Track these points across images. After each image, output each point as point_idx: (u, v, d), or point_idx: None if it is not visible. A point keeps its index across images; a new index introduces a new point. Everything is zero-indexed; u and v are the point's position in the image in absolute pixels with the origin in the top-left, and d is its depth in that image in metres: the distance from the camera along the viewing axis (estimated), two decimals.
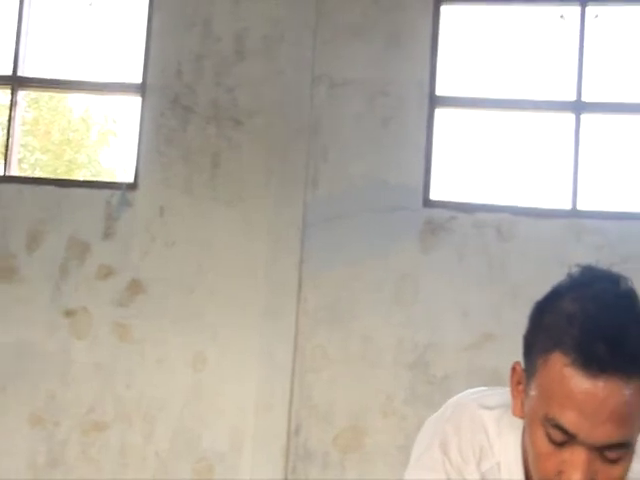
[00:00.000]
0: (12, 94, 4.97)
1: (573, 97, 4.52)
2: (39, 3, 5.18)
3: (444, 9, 4.69)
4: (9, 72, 4.98)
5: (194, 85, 4.71)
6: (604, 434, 1.11)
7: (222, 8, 4.73)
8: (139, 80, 4.81)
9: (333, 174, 4.57)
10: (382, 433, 4.33)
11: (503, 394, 1.38)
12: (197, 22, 4.74)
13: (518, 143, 5.10)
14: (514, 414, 1.29)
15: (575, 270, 1.23)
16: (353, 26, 4.65)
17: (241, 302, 4.50)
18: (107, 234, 4.64)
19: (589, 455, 1.13)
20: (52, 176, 10.36)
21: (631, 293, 1.19)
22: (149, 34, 4.79)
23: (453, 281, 4.38)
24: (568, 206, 4.44)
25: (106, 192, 4.70)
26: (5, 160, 4.95)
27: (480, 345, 4.30)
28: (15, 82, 4.98)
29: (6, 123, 5.07)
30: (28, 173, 10.34)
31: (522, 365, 1.27)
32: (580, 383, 1.12)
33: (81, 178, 10.02)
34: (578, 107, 4.50)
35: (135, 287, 4.59)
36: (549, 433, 1.16)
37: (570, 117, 4.51)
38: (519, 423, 1.27)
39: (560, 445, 1.15)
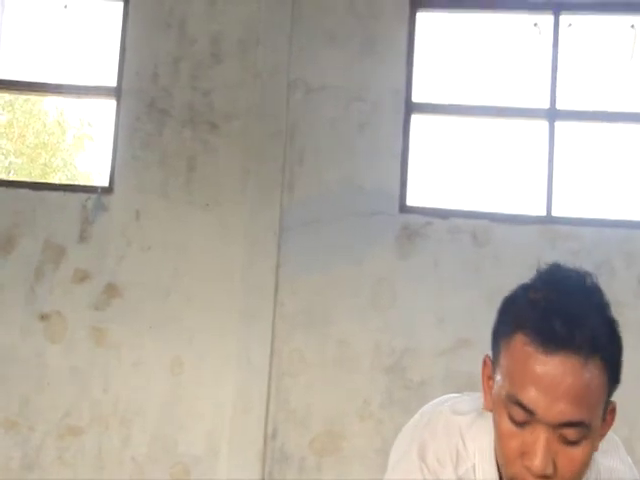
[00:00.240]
0: None
1: (547, 105, 4.57)
2: (14, 5, 5.15)
3: (420, 16, 4.72)
4: None
5: (170, 88, 4.70)
6: (560, 412, 1.14)
7: (197, 10, 4.73)
8: (114, 83, 4.79)
9: (309, 179, 4.58)
10: (359, 437, 4.34)
11: (475, 399, 1.42)
12: (172, 25, 4.73)
13: (493, 150, 5.15)
14: (485, 408, 1.32)
15: (543, 267, 1.27)
16: (329, 31, 4.67)
17: (218, 306, 4.50)
18: (83, 238, 4.62)
19: (548, 435, 1.16)
20: (27, 179, 10.27)
21: (595, 287, 1.23)
22: (124, 37, 4.78)
23: (429, 286, 4.41)
24: (543, 212, 4.49)
25: (81, 196, 4.67)
26: None
27: (456, 350, 4.32)
28: None
29: None
30: (2, 176, 10.25)
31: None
32: (538, 360, 1.15)
33: (57, 182, 9.95)
34: (552, 115, 4.55)
35: (111, 291, 4.57)
36: (511, 413, 1.19)
37: (544, 124, 4.56)
38: (491, 426, 1.29)
39: (521, 425, 1.18)
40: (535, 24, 4.68)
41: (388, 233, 4.48)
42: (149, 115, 4.69)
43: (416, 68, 4.67)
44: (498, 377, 1.24)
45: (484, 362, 1.33)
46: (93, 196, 4.65)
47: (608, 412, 1.24)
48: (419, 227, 4.48)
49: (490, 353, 1.31)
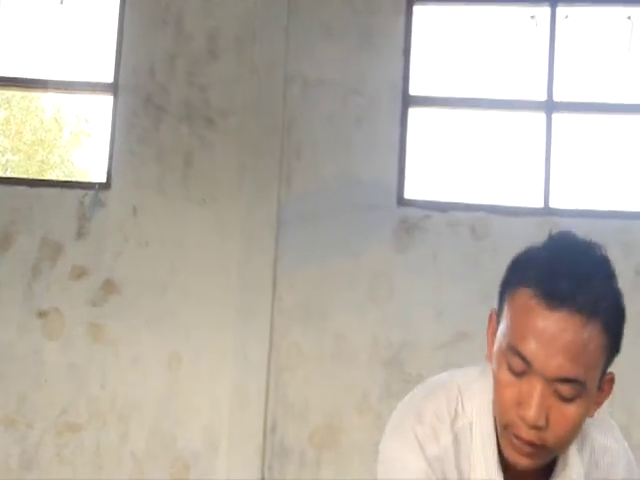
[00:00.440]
0: None
1: (544, 97, 4.56)
2: (10, 2, 5.13)
3: (417, 9, 4.71)
4: None
5: (166, 84, 4.69)
6: (557, 366, 1.17)
7: (193, 6, 4.72)
8: (111, 79, 4.78)
9: (307, 173, 4.58)
10: (358, 431, 4.34)
11: (473, 368, 1.45)
12: (169, 21, 4.72)
13: (491, 142, 5.15)
14: (488, 360, 1.34)
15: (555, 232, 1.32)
16: (326, 25, 4.66)
17: (215, 301, 4.49)
18: (80, 234, 4.61)
19: (544, 388, 1.19)
20: (24, 176, 10.26)
21: (604, 257, 1.27)
22: (121, 33, 4.76)
23: (427, 280, 4.41)
24: (541, 204, 4.48)
25: (79, 192, 4.67)
26: None
27: (455, 343, 4.32)
28: None
29: None
30: None
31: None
32: (540, 315, 1.19)
33: (54, 178, 9.94)
34: (549, 107, 4.54)
35: (109, 287, 4.57)
36: (510, 364, 1.22)
37: (541, 116, 4.55)
38: (491, 386, 1.31)
39: (519, 376, 1.22)
40: (532, 16, 4.67)
41: (386, 227, 4.48)
42: (146, 111, 4.68)
43: (413, 61, 4.66)
44: (501, 328, 1.27)
45: (490, 317, 1.36)
46: (90, 192, 4.65)
47: (606, 381, 1.27)
48: (417, 220, 4.47)
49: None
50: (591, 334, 1.18)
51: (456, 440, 1.34)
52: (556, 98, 4.56)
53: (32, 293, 4.58)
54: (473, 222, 4.41)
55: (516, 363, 1.22)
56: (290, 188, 4.56)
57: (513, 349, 1.22)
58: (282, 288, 4.49)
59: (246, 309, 4.46)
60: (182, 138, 4.65)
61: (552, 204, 4.48)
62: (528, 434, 1.21)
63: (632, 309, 4.53)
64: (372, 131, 4.58)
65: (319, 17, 4.66)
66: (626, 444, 1.46)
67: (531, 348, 1.19)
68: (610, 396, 1.33)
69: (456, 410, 1.36)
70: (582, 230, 4.88)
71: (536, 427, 1.20)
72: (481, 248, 4.39)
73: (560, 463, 1.35)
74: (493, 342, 1.31)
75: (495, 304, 1.34)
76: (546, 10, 4.62)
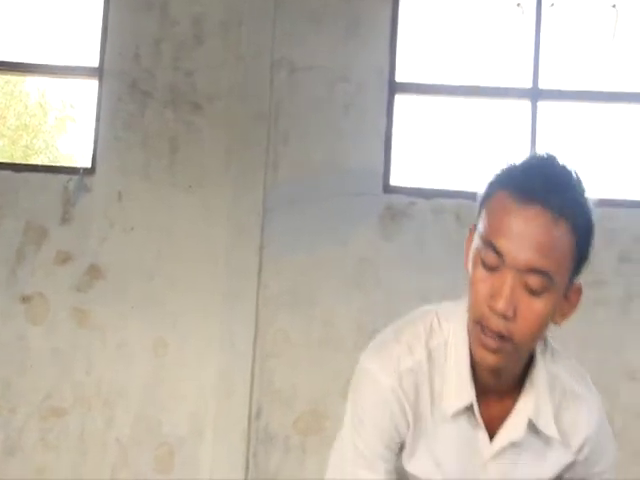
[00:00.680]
0: None
1: (530, 84, 4.57)
2: None
3: None
4: None
5: (152, 69, 4.66)
6: (527, 257, 1.26)
7: None
8: (96, 64, 4.75)
9: (293, 159, 4.57)
10: (342, 417, 4.35)
11: (453, 301, 1.55)
12: (154, 5, 4.68)
13: (476, 129, 5.16)
14: (465, 267, 1.43)
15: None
16: (312, 11, 4.64)
17: (201, 287, 4.49)
18: (65, 219, 4.59)
19: (514, 280, 1.27)
20: (8, 161, 10.18)
21: (580, 176, 1.36)
22: (106, 17, 4.73)
23: (413, 267, 4.42)
24: None
25: (63, 177, 4.64)
26: None
27: None
28: None
29: None
30: None
31: None
32: (514, 211, 1.29)
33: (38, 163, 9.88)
34: (535, 94, 4.56)
35: (94, 272, 4.55)
36: (484, 259, 1.31)
37: (527, 104, 4.56)
38: (467, 311, 1.39)
39: (492, 270, 1.30)
40: (518, 4, 4.68)
41: (372, 213, 4.48)
42: (131, 96, 4.66)
43: (400, 48, 4.66)
44: (478, 230, 1.37)
45: (470, 230, 1.45)
46: (75, 177, 4.62)
47: (573, 291, 1.36)
48: (403, 207, 4.48)
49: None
50: (560, 232, 1.27)
51: (430, 357, 1.42)
52: (541, 86, 4.57)
53: (16, 278, 4.56)
54: (458, 209, 4.43)
55: (490, 258, 1.30)
56: (277, 174, 4.56)
57: (488, 243, 1.31)
58: (268, 274, 4.49)
59: (232, 295, 4.47)
60: (168, 123, 4.63)
61: None
62: (497, 325, 1.29)
63: (615, 296, 4.56)
64: (359, 118, 4.58)
65: (306, 3, 4.65)
66: (600, 397, 1.51)
67: (504, 242, 1.28)
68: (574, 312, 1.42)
69: (432, 329, 1.45)
70: None
71: (505, 317, 1.28)
72: (466, 235, 4.39)
73: (527, 385, 1.42)
74: (469, 250, 1.42)
75: None
76: None
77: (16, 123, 11.44)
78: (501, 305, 1.27)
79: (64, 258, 4.57)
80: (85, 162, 4.82)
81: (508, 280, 1.28)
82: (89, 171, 4.65)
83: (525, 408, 1.40)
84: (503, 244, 1.29)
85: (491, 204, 1.35)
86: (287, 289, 4.48)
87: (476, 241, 1.37)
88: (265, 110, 4.57)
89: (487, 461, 1.42)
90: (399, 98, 4.65)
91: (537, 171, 1.31)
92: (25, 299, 4.55)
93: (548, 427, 1.41)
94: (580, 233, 1.31)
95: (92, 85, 4.81)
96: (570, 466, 1.48)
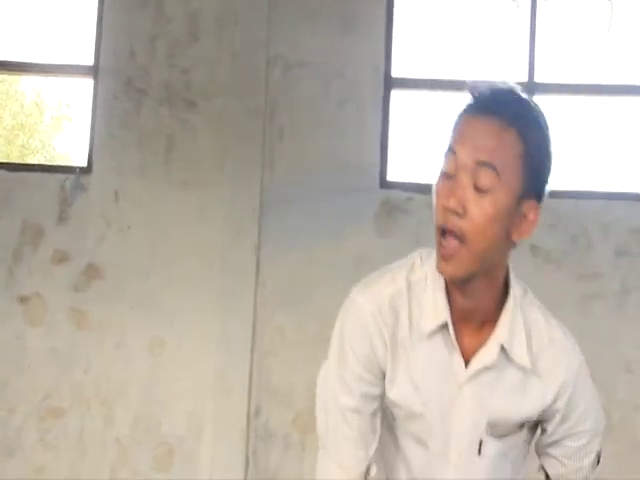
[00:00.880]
0: None
1: (525, 78, 4.56)
2: None
3: None
4: None
5: (147, 67, 4.65)
6: (476, 153, 1.40)
7: None
8: (91, 62, 4.74)
9: (289, 156, 4.57)
10: None
11: None
12: (149, 3, 4.67)
13: None
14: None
15: None
16: (308, 7, 4.63)
17: (198, 286, 4.48)
18: (61, 219, 4.58)
19: (465, 181, 1.40)
20: (4, 160, 10.16)
21: (540, 107, 1.47)
22: (101, 15, 4.71)
23: None
24: None
25: (60, 176, 4.63)
26: None
27: None
28: None
29: None
30: None
31: None
32: (467, 120, 1.44)
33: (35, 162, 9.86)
34: (530, 88, 4.54)
35: (91, 272, 4.55)
36: (444, 168, 1.45)
37: None
38: None
39: (450, 178, 1.43)
40: None
41: (368, 209, 4.48)
42: (127, 94, 4.65)
43: (395, 43, 4.65)
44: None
45: None
46: (71, 176, 4.62)
47: (529, 207, 1.44)
48: (400, 203, 4.47)
49: None
50: (509, 138, 1.40)
51: (410, 288, 1.55)
52: (537, 79, 4.57)
53: (13, 278, 4.55)
54: None
55: (448, 162, 1.44)
56: (273, 171, 4.55)
57: (447, 150, 1.45)
58: (265, 272, 4.49)
59: (229, 294, 4.46)
60: (163, 121, 4.62)
61: None
62: (452, 223, 1.41)
63: (612, 289, 4.55)
64: (355, 114, 4.57)
65: None
66: (580, 353, 1.62)
67: (459, 145, 1.42)
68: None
69: (414, 265, 1.58)
70: (563, 211, 4.90)
71: (456, 213, 1.40)
72: None
73: (503, 318, 1.51)
74: None
75: None
76: None
77: (12, 123, 11.43)
78: (452, 202, 1.40)
79: (61, 258, 4.56)
80: (81, 161, 4.81)
81: (460, 181, 1.41)
82: (85, 170, 4.64)
83: (499, 335, 1.49)
84: (458, 147, 1.42)
85: (453, 125, 1.48)
86: (284, 287, 4.47)
87: (442, 160, 1.49)
88: (261, 107, 4.56)
89: (463, 384, 1.50)
90: (395, 93, 4.64)
91: (493, 89, 1.45)
92: (23, 300, 4.54)
93: (521, 357, 1.50)
94: (530, 144, 1.41)
95: (87, 84, 4.80)
96: (550, 412, 1.55)
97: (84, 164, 4.68)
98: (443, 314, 1.49)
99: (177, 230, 4.54)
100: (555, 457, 1.61)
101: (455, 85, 4.70)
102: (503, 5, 4.74)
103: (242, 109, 4.56)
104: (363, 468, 1.58)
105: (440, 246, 1.44)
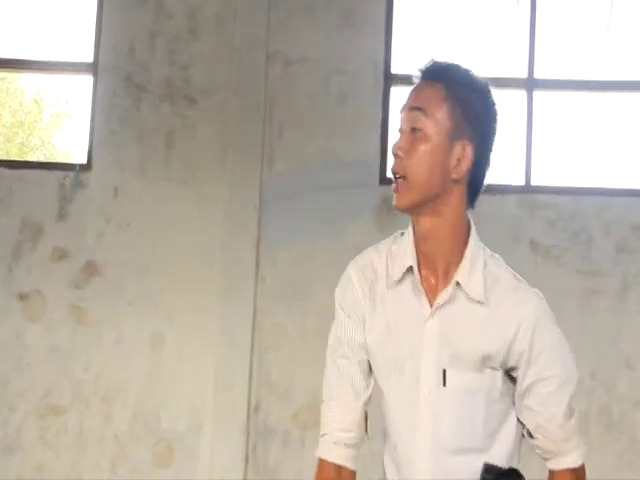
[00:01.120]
0: None
1: (525, 74, 4.56)
2: None
3: None
4: None
5: (147, 63, 4.65)
6: (410, 102, 1.71)
7: None
8: (91, 59, 4.73)
9: (289, 152, 4.56)
10: None
11: None
12: None
13: None
14: None
15: None
16: (307, 3, 4.63)
17: (198, 282, 4.48)
18: (61, 216, 4.58)
19: (407, 134, 1.68)
20: (4, 158, 10.16)
21: (488, 84, 1.76)
22: (100, 11, 4.71)
23: None
24: (522, 182, 4.50)
25: (59, 173, 4.63)
26: None
27: None
28: None
29: None
30: None
31: None
32: (413, 88, 1.74)
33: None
34: (530, 84, 4.55)
35: (90, 269, 4.54)
36: (400, 126, 1.71)
37: (522, 94, 4.55)
38: None
39: (399, 133, 1.71)
40: None
41: (368, 205, 4.48)
42: (126, 90, 4.65)
43: (395, 40, 4.64)
44: None
45: None
46: (71, 174, 4.61)
47: (463, 146, 1.67)
48: None
49: None
50: (435, 87, 1.69)
51: (390, 255, 1.78)
52: (537, 75, 4.57)
53: (12, 276, 4.55)
54: None
55: (400, 121, 1.72)
56: (272, 167, 4.55)
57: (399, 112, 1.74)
58: (265, 268, 4.48)
59: (229, 289, 4.46)
60: (163, 117, 4.61)
61: (533, 182, 4.49)
62: (398, 166, 1.67)
63: (612, 285, 4.54)
64: (354, 110, 4.57)
65: None
66: (544, 301, 1.73)
67: (404, 106, 1.72)
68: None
69: (395, 238, 1.81)
70: (563, 208, 4.89)
71: (398, 156, 1.67)
72: None
73: (464, 262, 1.69)
74: None
75: None
76: None
77: (11, 120, 11.41)
78: (397, 149, 1.68)
79: (60, 255, 4.56)
80: (81, 159, 4.81)
81: (404, 131, 1.69)
82: (85, 167, 4.64)
83: (457, 276, 1.69)
84: (403, 108, 1.72)
85: None
86: (284, 282, 4.47)
87: None
88: (260, 103, 4.56)
89: (427, 319, 1.69)
90: (395, 90, 4.63)
91: (431, 63, 1.74)
92: (22, 297, 4.54)
93: (476, 293, 1.67)
94: (455, 90, 1.68)
95: (87, 81, 4.79)
96: (515, 353, 1.67)
97: (84, 161, 4.68)
98: (409, 259, 1.72)
99: (177, 227, 4.54)
100: (529, 407, 1.70)
101: None
102: (503, 1, 4.73)
103: (241, 105, 4.56)
104: (354, 416, 1.80)
105: (393, 186, 1.70)
